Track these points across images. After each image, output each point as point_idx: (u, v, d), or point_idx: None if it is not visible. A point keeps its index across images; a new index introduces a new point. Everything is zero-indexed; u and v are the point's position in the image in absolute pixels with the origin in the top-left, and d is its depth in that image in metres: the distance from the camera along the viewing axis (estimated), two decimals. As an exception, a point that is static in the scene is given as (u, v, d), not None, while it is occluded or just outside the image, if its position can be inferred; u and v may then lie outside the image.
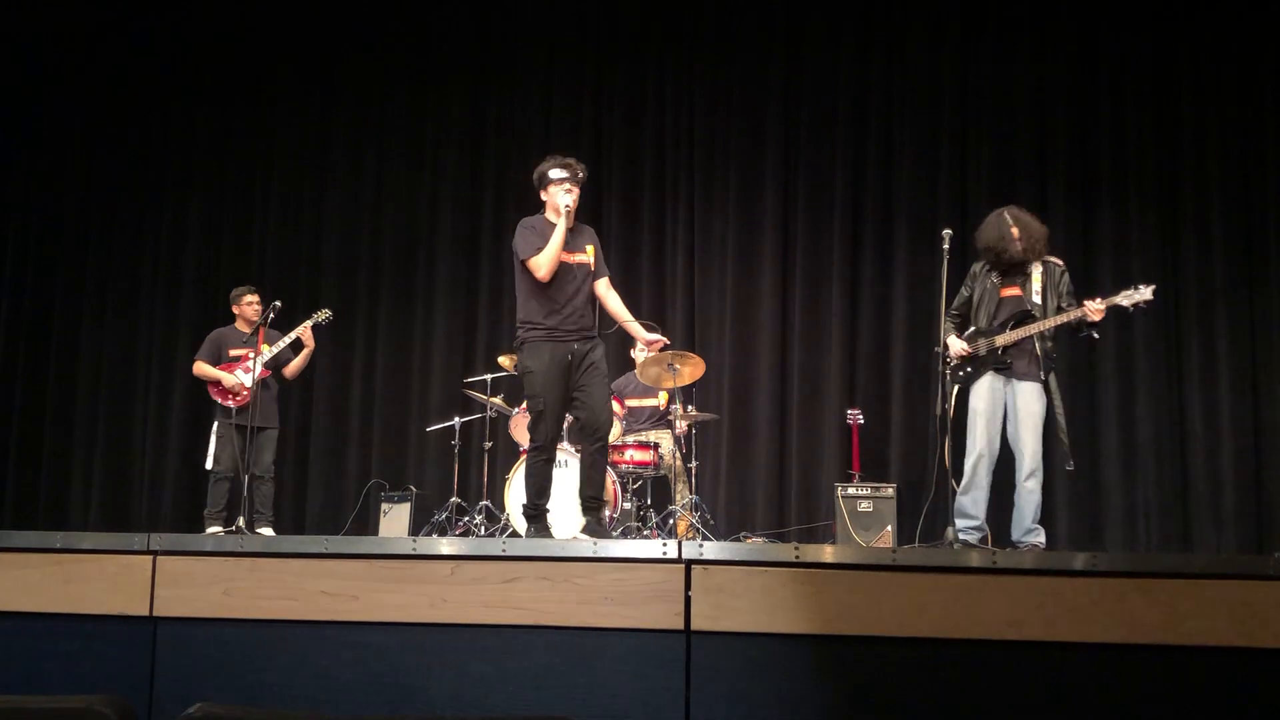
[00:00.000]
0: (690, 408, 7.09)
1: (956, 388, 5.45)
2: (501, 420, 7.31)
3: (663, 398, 7.24)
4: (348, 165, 9.02)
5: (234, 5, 8.98)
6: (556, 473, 6.36)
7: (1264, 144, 7.29)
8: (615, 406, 6.85)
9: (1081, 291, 5.50)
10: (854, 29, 8.14)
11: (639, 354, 7.30)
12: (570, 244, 4.93)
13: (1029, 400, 5.22)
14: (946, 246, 5.29)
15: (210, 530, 6.64)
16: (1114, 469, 7.27)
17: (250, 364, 6.75)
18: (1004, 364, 5.27)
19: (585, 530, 4.90)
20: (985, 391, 5.30)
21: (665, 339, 5.27)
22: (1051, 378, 5.29)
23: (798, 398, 7.86)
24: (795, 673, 3.09)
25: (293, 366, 7.09)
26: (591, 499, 4.93)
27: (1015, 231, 5.32)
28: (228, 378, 6.83)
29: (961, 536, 5.13)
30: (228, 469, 6.75)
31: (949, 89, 7.90)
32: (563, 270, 4.90)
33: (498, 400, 7.17)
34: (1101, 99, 7.63)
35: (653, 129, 8.50)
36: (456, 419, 7.35)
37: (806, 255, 8.00)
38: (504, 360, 7.08)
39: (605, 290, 5.09)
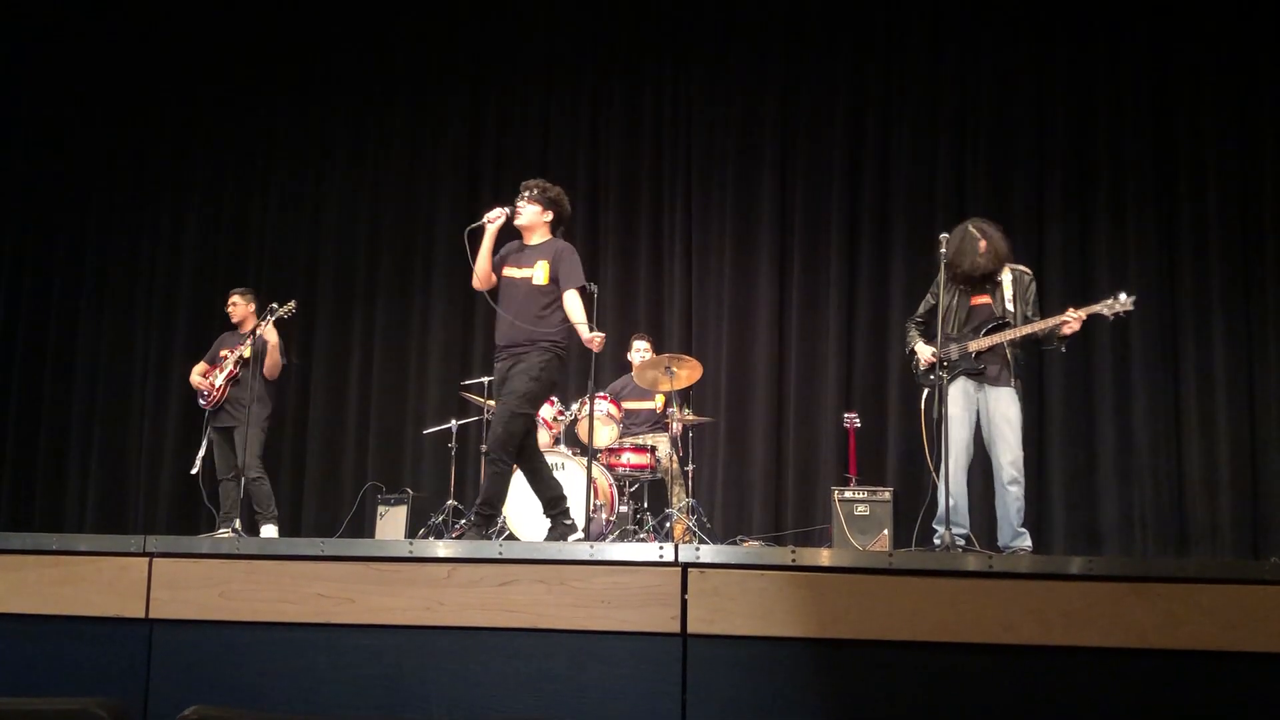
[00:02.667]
0: (687, 411, 7.09)
1: (926, 392, 5.48)
2: (498, 423, 7.30)
3: (659, 400, 7.24)
4: (346, 167, 9.02)
5: (236, 4, 8.99)
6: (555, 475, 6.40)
7: (1261, 150, 7.30)
8: (611, 409, 6.85)
9: (1074, 298, 5.51)
10: (852, 32, 8.15)
11: (635, 356, 7.32)
12: (514, 259, 5.19)
13: (1004, 405, 5.22)
14: (943, 250, 5.28)
15: (220, 532, 6.69)
16: (1110, 474, 7.27)
17: (225, 364, 6.93)
18: (977, 370, 5.27)
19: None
20: (959, 397, 5.29)
21: (601, 336, 5.23)
22: (1018, 384, 5.29)
23: (794, 401, 7.86)
24: (791, 676, 3.09)
25: (266, 364, 6.94)
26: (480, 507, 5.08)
27: (982, 245, 5.32)
28: (195, 379, 6.98)
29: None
30: (224, 471, 6.86)
31: (946, 95, 7.91)
32: (503, 285, 5.17)
33: (494, 403, 7.16)
34: (1099, 103, 7.63)
35: (650, 131, 8.50)
36: (453, 421, 7.35)
37: (804, 258, 8.01)
38: (501, 363, 7.08)
39: (567, 302, 5.15)
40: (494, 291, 5.25)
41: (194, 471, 6.86)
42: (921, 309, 5.62)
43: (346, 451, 8.66)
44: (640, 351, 7.32)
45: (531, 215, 5.18)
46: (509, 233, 5.29)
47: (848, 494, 6.66)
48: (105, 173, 9.31)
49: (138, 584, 3.47)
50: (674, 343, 7.97)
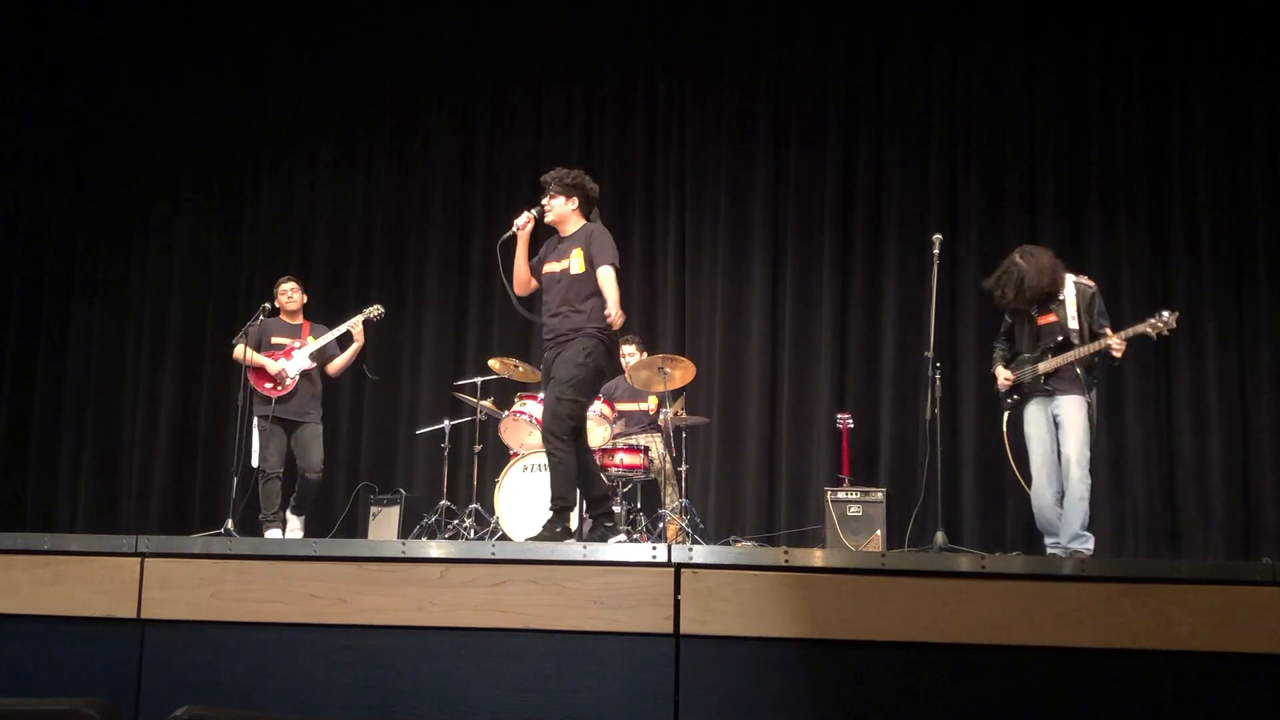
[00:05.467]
0: (680, 411, 7.08)
1: (1006, 414, 5.63)
2: (491, 423, 7.30)
3: (653, 402, 7.24)
4: (338, 166, 9.00)
5: (228, 3, 8.97)
6: (530, 476, 6.43)
7: (1251, 155, 7.31)
8: (605, 410, 6.85)
9: (1111, 308, 5.62)
10: (844, 35, 8.15)
11: (628, 359, 7.31)
12: (553, 255, 5.07)
13: (1072, 411, 5.33)
14: (936, 251, 5.31)
15: (269, 534, 6.42)
16: (1103, 475, 7.27)
17: (294, 354, 6.64)
18: (1048, 391, 5.40)
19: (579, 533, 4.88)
20: (1035, 415, 5.45)
21: (622, 316, 4.99)
22: (1092, 394, 5.41)
23: (788, 401, 7.86)
24: (784, 677, 3.09)
25: (338, 363, 6.83)
26: (551, 501, 4.85)
27: (1030, 274, 5.41)
28: (272, 364, 6.56)
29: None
30: (276, 466, 6.53)
31: (939, 96, 7.91)
32: (545, 283, 5.06)
33: (487, 403, 7.16)
34: (1091, 107, 7.65)
35: (643, 133, 8.50)
36: (446, 422, 7.33)
37: (796, 259, 8.01)
38: (494, 363, 7.07)
39: (600, 280, 4.94)
40: (537, 293, 5.14)
41: (255, 465, 6.52)
42: (1004, 328, 5.73)
43: (340, 451, 8.62)
44: (628, 356, 7.31)
45: (560, 209, 5.06)
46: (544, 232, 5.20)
47: (840, 494, 6.66)
48: (97, 168, 9.28)
49: (129, 584, 3.46)
50: (667, 343, 7.96)
